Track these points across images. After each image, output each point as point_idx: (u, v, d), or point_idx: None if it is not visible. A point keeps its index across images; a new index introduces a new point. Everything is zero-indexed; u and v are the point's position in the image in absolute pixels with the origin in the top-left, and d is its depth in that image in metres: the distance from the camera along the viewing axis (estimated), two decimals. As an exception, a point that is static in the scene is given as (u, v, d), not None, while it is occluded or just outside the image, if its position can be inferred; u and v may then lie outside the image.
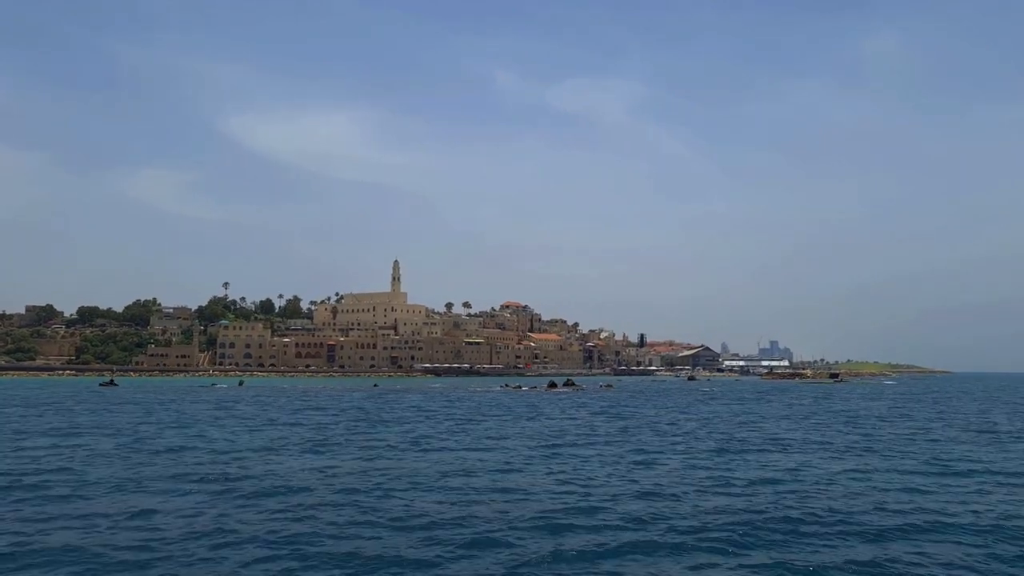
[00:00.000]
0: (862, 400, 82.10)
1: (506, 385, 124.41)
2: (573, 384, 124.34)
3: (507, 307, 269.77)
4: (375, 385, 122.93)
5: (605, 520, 16.68)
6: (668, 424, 45.47)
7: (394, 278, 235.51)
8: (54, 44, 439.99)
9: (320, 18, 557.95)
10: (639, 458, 27.97)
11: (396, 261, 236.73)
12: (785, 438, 36.24)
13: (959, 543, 14.83)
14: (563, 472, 24.07)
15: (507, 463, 26.22)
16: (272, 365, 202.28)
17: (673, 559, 13.71)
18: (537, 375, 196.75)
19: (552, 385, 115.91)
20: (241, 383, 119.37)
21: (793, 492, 20.36)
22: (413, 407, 61.90)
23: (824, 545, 14.63)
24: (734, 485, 21.59)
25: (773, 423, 46.47)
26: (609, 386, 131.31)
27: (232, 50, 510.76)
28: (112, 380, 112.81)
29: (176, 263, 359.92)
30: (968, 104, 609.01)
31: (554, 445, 32.27)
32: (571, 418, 50.21)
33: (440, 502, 18.66)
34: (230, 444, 31.91)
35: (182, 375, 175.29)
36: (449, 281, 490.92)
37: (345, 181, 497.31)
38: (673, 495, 19.89)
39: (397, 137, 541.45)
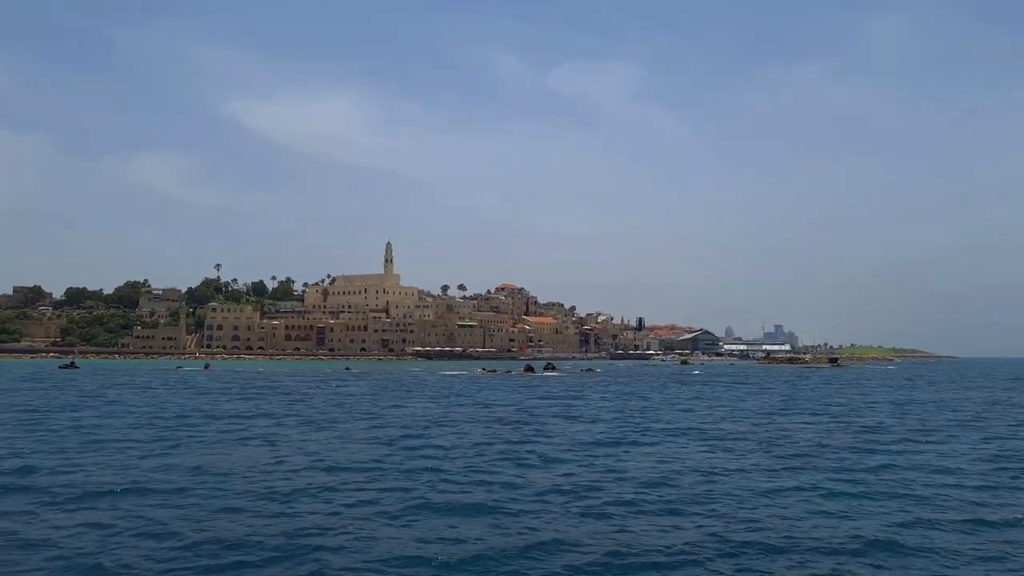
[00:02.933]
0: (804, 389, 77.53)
1: (483, 369, 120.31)
2: (554, 368, 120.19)
3: (503, 290, 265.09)
4: (347, 368, 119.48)
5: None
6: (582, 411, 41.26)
7: (387, 260, 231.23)
8: (54, 30, 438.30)
9: (320, 2, 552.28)
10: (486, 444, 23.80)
11: (389, 243, 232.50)
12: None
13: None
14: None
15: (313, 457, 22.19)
16: (261, 348, 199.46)
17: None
18: (531, 359, 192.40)
19: (529, 369, 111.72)
20: (207, 366, 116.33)
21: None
22: (337, 394, 58.19)
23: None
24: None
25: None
26: (590, 370, 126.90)
27: (231, 34, 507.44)
28: (72, 363, 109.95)
29: (173, 246, 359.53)
30: (975, 88, 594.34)
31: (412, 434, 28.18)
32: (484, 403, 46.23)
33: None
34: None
35: (167, 357, 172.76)
36: (446, 264, 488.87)
37: (344, 164, 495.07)
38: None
39: (396, 121, 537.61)
